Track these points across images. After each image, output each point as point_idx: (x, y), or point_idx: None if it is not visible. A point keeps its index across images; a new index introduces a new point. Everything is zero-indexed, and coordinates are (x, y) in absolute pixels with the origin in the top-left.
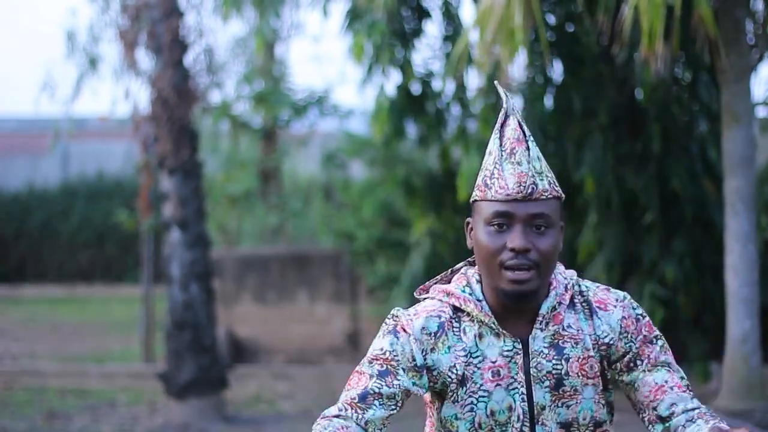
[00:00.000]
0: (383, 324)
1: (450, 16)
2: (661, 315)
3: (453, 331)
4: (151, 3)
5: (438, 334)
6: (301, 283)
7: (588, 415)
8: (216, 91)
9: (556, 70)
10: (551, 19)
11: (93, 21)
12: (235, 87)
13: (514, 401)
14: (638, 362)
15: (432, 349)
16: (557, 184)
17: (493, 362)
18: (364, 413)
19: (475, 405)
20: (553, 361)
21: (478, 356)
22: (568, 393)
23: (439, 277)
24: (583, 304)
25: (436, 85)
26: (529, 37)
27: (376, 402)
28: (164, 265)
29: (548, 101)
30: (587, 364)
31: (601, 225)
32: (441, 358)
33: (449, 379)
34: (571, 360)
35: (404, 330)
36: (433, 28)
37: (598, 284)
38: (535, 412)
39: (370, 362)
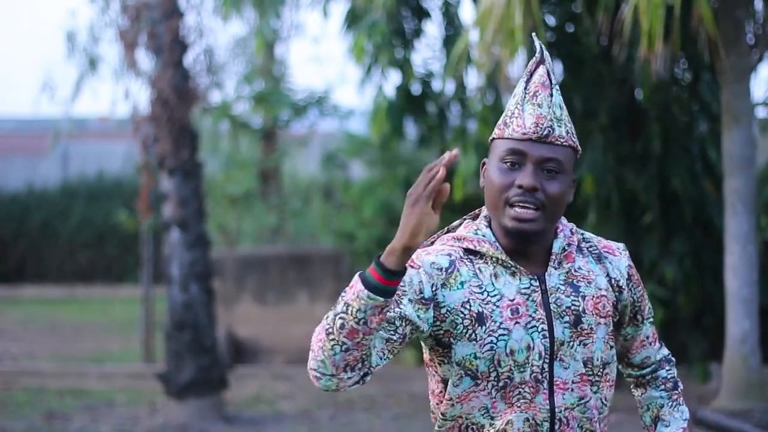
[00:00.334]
0: None
1: (450, 16)
2: (660, 315)
3: (466, 266)
4: (151, 3)
5: (449, 270)
6: (301, 283)
7: (599, 356)
8: (216, 92)
9: (556, 71)
10: (551, 20)
11: (93, 21)
12: (235, 87)
13: (533, 340)
14: (639, 316)
15: (443, 285)
16: (575, 136)
17: (512, 300)
18: (379, 327)
19: (495, 344)
20: (572, 297)
21: (495, 295)
22: (585, 331)
23: (435, 235)
24: (590, 248)
25: (437, 85)
26: (528, 37)
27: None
28: (164, 265)
29: None
30: (600, 303)
31: (600, 225)
32: (452, 294)
33: (461, 316)
34: (586, 298)
35: (412, 264)
36: (433, 29)
37: (592, 234)
38: (555, 347)
39: None
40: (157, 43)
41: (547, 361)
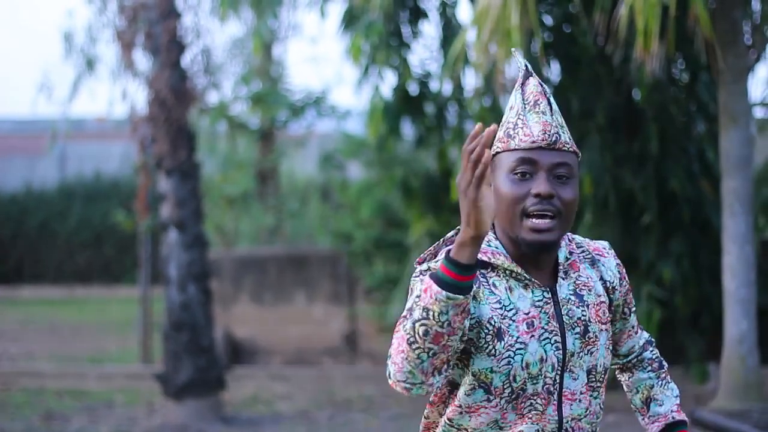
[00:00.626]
0: (413, 280)
1: (447, 17)
2: (658, 315)
3: (483, 285)
4: (149, 4)
5: (477, 284)
6: (299, 283)
7: (602, 362)
8: (213, 92)
9: (554, 71)
10: (548, 20)
11: (90, 22)
12: (233, 88)
13: (546, 352)
14: (626, 310)
15: (474, 297)
16: (575, 144)
17: (527, 314)
18: (462, 325)
19: (512, 358)
20: (580, 308)
21: (511, 309)
22: (591, 339)
23: (431, 248)
24: (584, 254)
25: (434, 85)
26: (525, 37)
27: None
28: (162, 265)
29: None
30: (600, 309)
31: (597, 225)
32: (481, 307)
33: (485, 331)
34: (590, 306)
35: None
36: (430, 29)
37: (581, 237)
38: (567, 359)
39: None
40: (155, 44)
41: (559, 372)
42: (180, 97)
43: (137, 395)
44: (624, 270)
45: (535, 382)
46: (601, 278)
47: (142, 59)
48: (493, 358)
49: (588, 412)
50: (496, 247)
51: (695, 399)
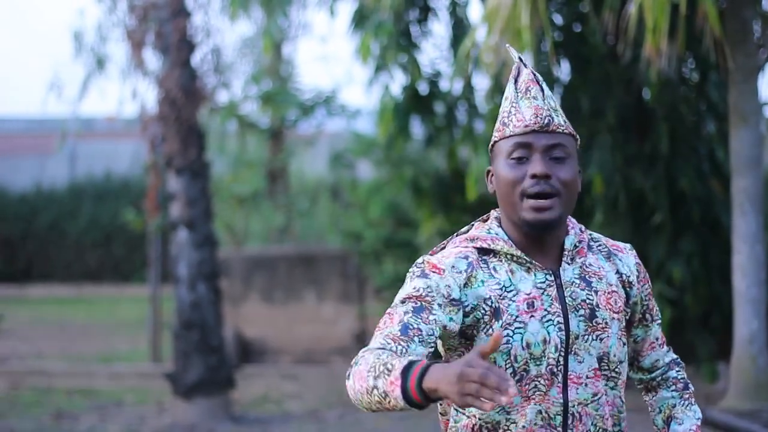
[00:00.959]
0: (410, 272)
1: (457, 16)
2: (668, 315)
3: (482, 269)
4: (159, 3)
5: (468, 271)
6: (309, 283)
7: (615, 351)
8: (223, 91)
9: (564, 70)
10: (558, 19)
11: (100, 21)
12: (243, 87)
13: (549, 333)
14: (648, 316)
15: (465, 284)
16: (572, 127)
17: (528, 294)
18: (407, 346)
19: (512, 337)
20: (586, 291)
21: (512, 290)
22: (600, 325)
23: (443, 242)
24: (599, 247)
25: (444, 85)
26: (535, 37)
27: (416, 337)
28: (172, 265)
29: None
30: (612, 298)
31: (608, 225)
32: (475, 291)
33: (482, 312)
34: (599, 293)
35: (435, 269)
36: (440, 29)
37: (599, 234)
38: (570, 341)
39: (403, 302)
40: (165, 43)
41: (563, 354)
42: (190, 96)
43: (147, 394)
44: (645, 273)
45: (538, 363)
46: (617, 272)
47: (152, 58)
48: (491, 337)
49: (596, 399)
50: (496, 234)
51: (705, 398)
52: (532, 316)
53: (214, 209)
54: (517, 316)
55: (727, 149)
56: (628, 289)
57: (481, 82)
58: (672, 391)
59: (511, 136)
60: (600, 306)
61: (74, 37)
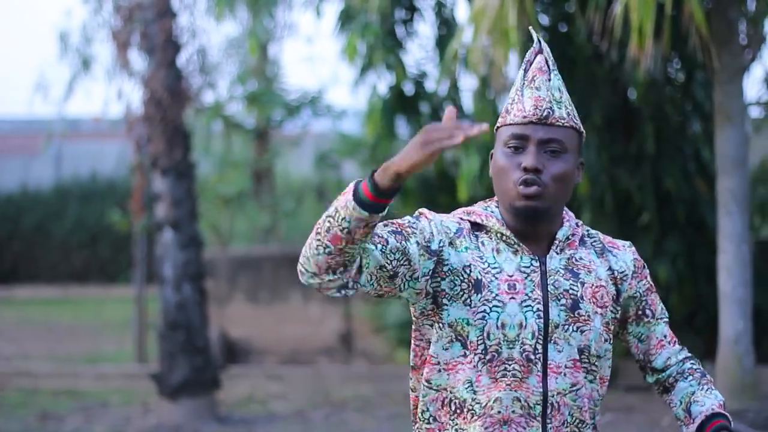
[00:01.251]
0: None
1: (443, 16)
2: None
3: (471, 238)
4: (144, 3)
5: (457, 234)
6: (294, 283)
7: (595, 346)
8: (209, 92)
9: None
10: (544, 20)
11: (86, 22)
12: (228, 87)
13: (526, 319)
14: (647, 312)
15: (450, 243)
16: (577, 118)
17: (510, 276)
18: (364, 239)
19: (488, 314)
20: (570, 281)
21: (496, 267)
22: (583, 317)
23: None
24: (594, 243)
25: (430, 85)
26: (522, 37)
27: (379, 244)
28: (157, 265)
29: None
30: (599, 292)
31: (594, 225)
32: (457, 254)
33: (460, 278)
34: (585, 285)
35: (425, 217)
36: (426, 29)
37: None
38: (550, 329)
39: (385, 224)
40: (150, 43)
41: (541, 342)
42: (175, 96)
43: (132, 395)
44: (645, 269)
45: (511, 346)
46: (609, 268)
47: (137, 59)
48: (468, 308)
49: (575, 389)
50: (492, 212)
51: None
52: (512, 297)
53: (199, 210)
54: (496, 294)
55: (713, 149)
56: (619, 285)
57: (468, 83)
58: (689, 380)
59: (510, 124)
60: (584, 298)
61: (60, 37)
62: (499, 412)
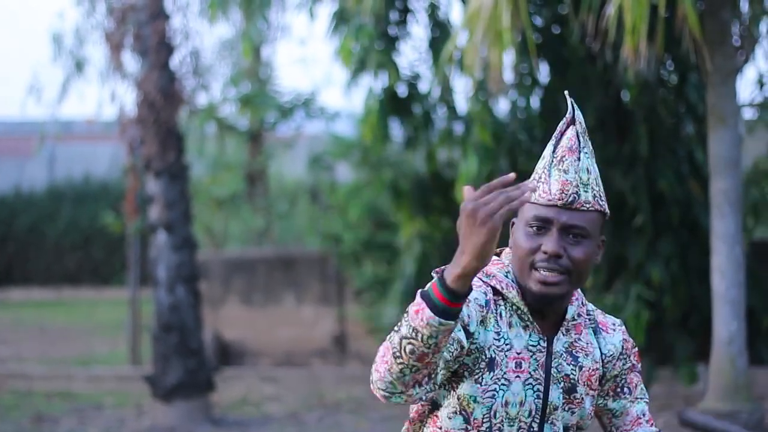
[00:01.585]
0: None
1: (436, 18)
2: (647, 316)
3: (494, 309)
4: (138, 5)
5: (486, 307)
6: (288, 285)
7: (579, 423)
8: (202, 94)
9: (543, 73)
10: (537, 21)
11: (79, 24)
12: (222, 89)
13: (526, 397)
14: (626, 389)
15: (481, 322)
16: (603, 199)
17: (518, 353)
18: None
19: (497, 393)
20: (571, 366)
21: (508, 344)
22: (576, 400)
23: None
24: (591, 321)
25: (423, 87)
26: (516, 39)
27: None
28: (151, 267)
29: (535, 103)
30: (594, 376)
31: None
32: (486, 334)
33: (482, 357)
34: (583, 369)
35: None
36: (420, 31)
37: (594, 307)
38: (548, 411)
39: None
40: (144, 45)
41: (537, 421)
42: (169, 98)
43: (126, 397)
44: (633, 349)
45: (511, 424)
46: (600, 350)
47: (130, 61)
48: (478, 386)
49: None
50: (512, 280)
51: (684, 400)
52: (517, 376)
53: (192, 212)
54: (505, 373)
55: (706, 151)
56: (605, 366)
57: (461, 84)
58: None
59: (535, 203)
60: (580, 382)
61: (53, 39)
62: None
